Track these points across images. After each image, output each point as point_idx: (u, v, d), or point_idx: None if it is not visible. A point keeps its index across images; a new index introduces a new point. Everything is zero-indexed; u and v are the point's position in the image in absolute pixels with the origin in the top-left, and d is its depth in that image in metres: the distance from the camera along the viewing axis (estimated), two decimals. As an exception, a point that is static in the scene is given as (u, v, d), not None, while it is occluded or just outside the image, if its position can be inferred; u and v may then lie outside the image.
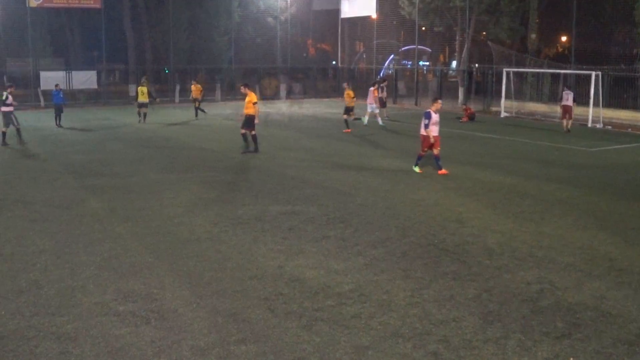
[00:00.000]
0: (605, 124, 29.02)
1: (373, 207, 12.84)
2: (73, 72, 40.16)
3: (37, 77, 38.27)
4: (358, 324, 7.28)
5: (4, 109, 21.21)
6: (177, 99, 42.82)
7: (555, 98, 34.84)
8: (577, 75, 32.99)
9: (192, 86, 32.20)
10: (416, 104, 40.99)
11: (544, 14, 41.04)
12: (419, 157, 16.71)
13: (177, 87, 43.48)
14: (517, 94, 35.20)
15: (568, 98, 26.73)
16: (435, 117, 16.20)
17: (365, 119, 27.76)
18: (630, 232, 11.25)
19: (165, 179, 15.57)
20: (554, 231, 11.24)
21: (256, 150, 19.43)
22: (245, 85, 20.07)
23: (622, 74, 31.52)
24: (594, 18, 38.81)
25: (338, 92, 48.49)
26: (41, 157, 19.21)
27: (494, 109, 35.77)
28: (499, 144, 22.95)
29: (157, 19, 45.27)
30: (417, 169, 16.57)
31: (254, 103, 19.05)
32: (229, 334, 6.98)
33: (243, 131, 19.37)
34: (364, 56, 52.53)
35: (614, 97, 32.76)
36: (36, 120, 29.39)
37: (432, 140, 16.17)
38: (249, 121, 19.21)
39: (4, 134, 21.32)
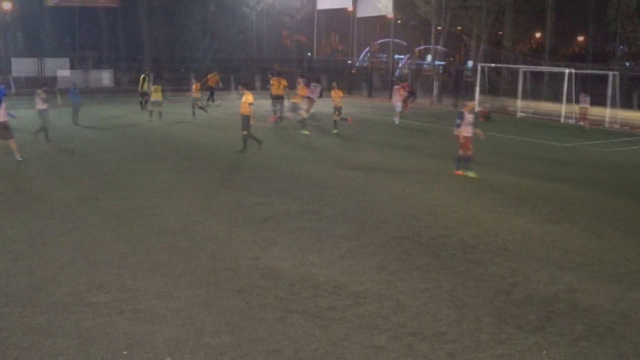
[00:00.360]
0: (622, 124, 29.10)
1: (348, 200, 12.78)
2: (89, 71, 39.95)
3: (54, 76, 37.86)
4: (333, 316, 7.22)
5: (40, 106, 20.87)
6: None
7: (571, 98, 34.79)
8: (594, 75, 32.72)
9: (193, 85, 29.90)
10: (390, 98, 40.92)
11: (560, 14, 40.98)
12: (466, 159, 15.92)
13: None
14: (533, 94, 35.10)
15: (585, 100, 26.72)
16: (468, 117, 15.76)
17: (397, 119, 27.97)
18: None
19: (138, 169, 15.16)
20: (527, 225, 11.29)
21: (242, 150, 18.93)
22: (244, 86, 19.85)
23: (591, 71, 31.69)
24: (609, 18, 38.76)
25: (351, 89, 47.97)
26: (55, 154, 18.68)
27: (510, 108, 35.42)
28: (515, 143, 22.57)
29: (173, 17, 45.01)
30: (471, 174, 15.79)
31: (250, 104, 18.83)
32: (203, 326, 6.93)
33: (245, 132, 18.96)
34: (369, 54, 51.86)
35: (633, 97, 32.87)
36: (53, 119, 28.78)
37: (461, 140, 15.69)
38: (245, 121, 18.95)
39: (45, 130, 20.88)
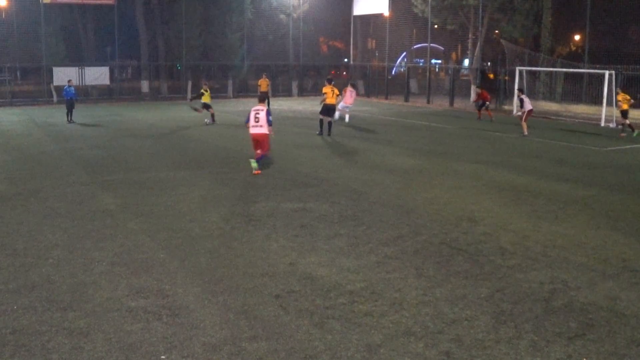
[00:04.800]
0: (618, 123, 28.85)
1: (385, 205, 12.81)
2: (86, 68, 40.37)
3: (50, 73, 38.53)
4: (370, 322, 7.26)
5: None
6: (189, 95, 43.05)
7: (568, 97, 34.71)
8: (591, 74, 32.84)
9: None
10: (428, 102, 40.91)
11: (558, 13, 40.80)
12: None
13: (190, 84, 43.71)
14: (530, 93, 35.04)
15: None
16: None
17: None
18: (644, 233, 11.17)
19: (178, 176, 15.59)
20: (567, 231, 11.18)
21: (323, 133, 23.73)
22: (329, 81, 24.16)
23: (636, 73, 31.31)
24: (608, 17, 38.54)
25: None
26: (54, 153, 19.28)
27: (506, 107, 35.72)
28: (512, 142, 22.83)
29: (170, 15, 45.48)
30: None
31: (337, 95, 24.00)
32: (240, 331, 6.98)
33: (321, 117, 23.82)
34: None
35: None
36: (49, 116, 29.54)
37: None
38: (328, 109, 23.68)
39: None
